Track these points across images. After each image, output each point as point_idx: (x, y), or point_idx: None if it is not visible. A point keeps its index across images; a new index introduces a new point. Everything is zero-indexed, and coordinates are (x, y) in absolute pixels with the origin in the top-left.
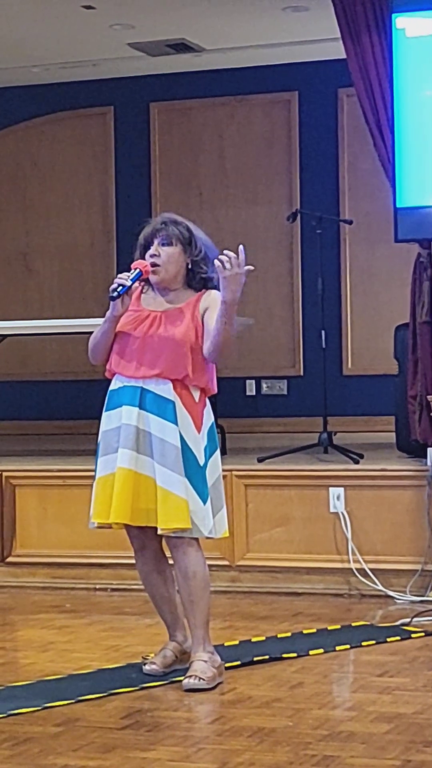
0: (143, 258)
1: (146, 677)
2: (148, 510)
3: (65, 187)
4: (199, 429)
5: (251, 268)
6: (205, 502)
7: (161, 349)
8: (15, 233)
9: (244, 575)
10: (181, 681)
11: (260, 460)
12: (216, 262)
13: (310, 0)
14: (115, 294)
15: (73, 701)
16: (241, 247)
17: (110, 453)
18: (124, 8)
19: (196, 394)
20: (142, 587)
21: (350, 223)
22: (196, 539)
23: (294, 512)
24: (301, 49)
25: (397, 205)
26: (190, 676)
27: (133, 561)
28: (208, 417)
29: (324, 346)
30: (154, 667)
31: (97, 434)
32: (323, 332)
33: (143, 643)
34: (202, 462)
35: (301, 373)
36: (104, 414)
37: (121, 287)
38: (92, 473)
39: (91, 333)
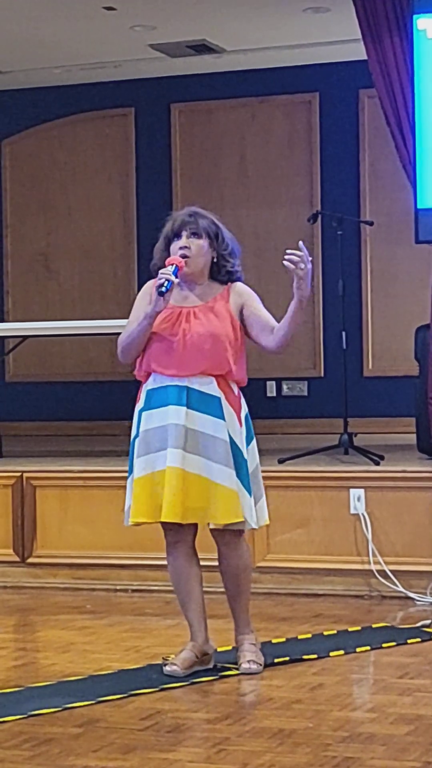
0: (168, 249)
1: (167, 678)
2: (197, 508)
3: (86, 188)
4: (240, 422)
5: (311, 259)
6: (250, 494)
7: (202, 346)
8: (36, 234)
9: (265, 576)
10: (200, 681)
11: (281, 462)
12: (286, 263)
13: (331, 1)
14: (164, 289)
15: (93, 702)
16: (300, 243)
17: (152, 452)
18: (145, 9)
19: (235, 388)
20: (163, 588)
21: (371, 224)
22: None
23: (314, 513)
24: (322, 50)
25: (418, 207)
26: (249, 661)
27: (153, 562)
28: (245, 408)
29: (344, 347)
30: (174, 668)
31: (117, 435)
32: (344, 333)
33: (164, 644)
34: (246, 455)
35: (322, 375)
36: (144, 413)
37: (167, 282)
38: (113, 474)
39: (111, 334)
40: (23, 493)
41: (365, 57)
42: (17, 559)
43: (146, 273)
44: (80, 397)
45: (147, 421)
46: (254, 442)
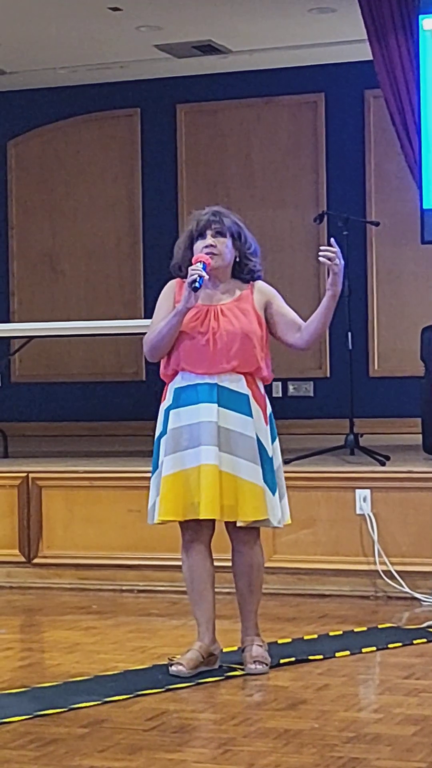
0: (191, 248)
1: (172, 678)
2: (230, 506)
3: (92, 188)
4: (266, 420)
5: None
6: (274, 492)
7: (232, 344)
8: (42, 234)
9: (271, 577)
10: (206, 682)
11: (287, 462)
12: (322, 259)
13: (337, 1)
14: (197, 285)
15: (99, 702)
16: (332, 239)
17: (181, 450)
18: (151, 10)
19: (261, 386)
20: (169, 589)
21: (377, 224)
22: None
23: (320, 514)
24: (328, 51)
25: (424, 207)
26: (255, 662)
27: (159, 562)
28: (269, 406)
29: (350, 347)
30: (180, 668)
31: (123, 435)
32: (350, 334)
33: (169, 644)
34: (270, 453)
35: (328, 375)
36: (172, 411)
37: (200, 278)
38: (119, 474)
39: (117, 334)
40: (29, 494)
41: (371, 57)
42: (23, 559)
43: (151, 273)
44: (86, 398)
45: (175, 419)
46: (277, 440)
